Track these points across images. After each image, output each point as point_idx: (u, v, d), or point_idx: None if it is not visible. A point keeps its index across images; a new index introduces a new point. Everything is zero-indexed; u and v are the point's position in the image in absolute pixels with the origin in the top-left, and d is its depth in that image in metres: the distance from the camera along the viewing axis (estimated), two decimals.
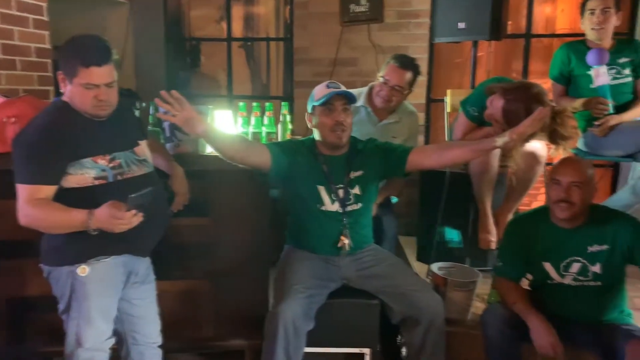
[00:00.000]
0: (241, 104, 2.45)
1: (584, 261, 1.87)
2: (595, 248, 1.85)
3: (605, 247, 1.84)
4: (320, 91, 2.01)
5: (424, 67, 3.49)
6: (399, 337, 2.12)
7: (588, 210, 1.88)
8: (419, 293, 1.96)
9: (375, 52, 3.46)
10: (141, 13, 3.68)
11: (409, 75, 2.46)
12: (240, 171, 1.99)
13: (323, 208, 2.06)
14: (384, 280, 2.02)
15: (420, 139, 3.57)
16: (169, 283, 2.16)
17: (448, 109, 2.89)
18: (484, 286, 2.46)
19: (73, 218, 1.63)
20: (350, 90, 2.04)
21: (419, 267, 2.93)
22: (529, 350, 1.88)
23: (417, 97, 3.54)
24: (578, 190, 1.82)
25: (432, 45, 3.47)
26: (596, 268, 1.86)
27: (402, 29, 3.47)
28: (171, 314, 2.12)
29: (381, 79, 2.49)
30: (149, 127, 2.41)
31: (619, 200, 2.55)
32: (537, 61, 3.53)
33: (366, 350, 2.06)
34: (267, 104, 2.45)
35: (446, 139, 2.88)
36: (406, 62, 2.46)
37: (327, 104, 1.98)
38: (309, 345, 1.96)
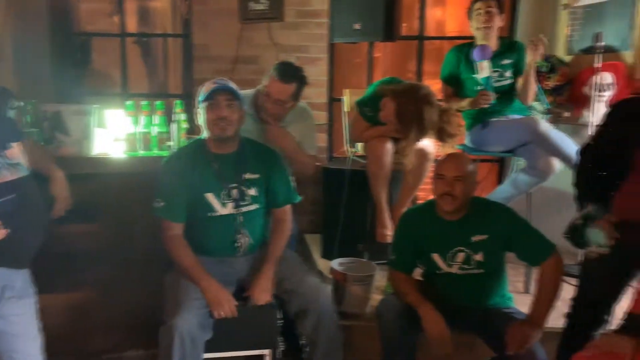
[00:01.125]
0: (129, 103, 2.34)
1: (468, 250, 1.98)
2: (477, 238, 1.97)
3: (485, 236, 1.97)
4: (206, 87, 2.00)
5: (324, 66, 3.56)
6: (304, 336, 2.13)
7: (470, 202, 2.00)
8: (307, 287, 1.97)
9: (277, 51, 3.45)
10: (20, 4, 3.38)
11: (291, 88, 2.32)
12: (128, 174, 1.90)
13: (214, 214, 2.02)
14: (277, 277, 2.02)
15: (323, 137, 3.63)
16: (54, 295, 2.01)
17: (346, 108, 2.95)
18: (383, 279, 2.54)
19: None
20: (240, 91, 2.02)
21: (323, 264, 2.97)
22: (422, 339, 1.96)
23: (319, 96, 3.59)
24: (461, 183, 1.93)
25: (332, 45, 3.53)
26: (479, 256, 1.98)
27: (302, 28, 3.49)
28: (57, 328, 1.97)
29: (265, 90, 2.35)
30: (27, 128, 2.22)
31: (501, 192, 2.75)
32: (430, 62, 3.71)
33: (266, 352, 2.05)
34: (157, 102, 2.35)
35: (345, 137, 2.94)
36: (288, 75, 2.32)
37: (211, 99, 1.96)
38: (207, 351, 1.90)
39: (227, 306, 1.90)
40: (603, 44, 2.77)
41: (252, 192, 2.06)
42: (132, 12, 3.74)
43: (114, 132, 2.36)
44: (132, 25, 3.74)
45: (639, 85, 2.96)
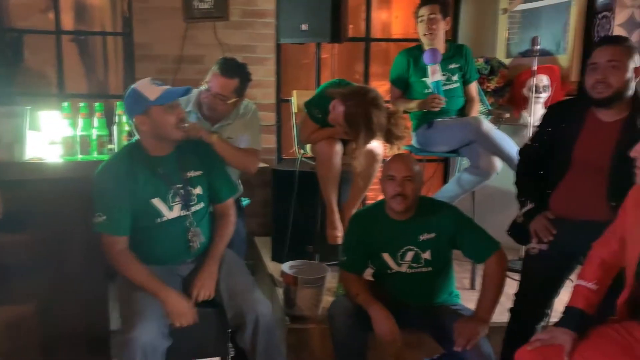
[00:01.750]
0: (65, 104, 2.21)
1: (416, 249, 2.01)
2: (425, 236, 2.01)
3: (433, 235, 2.01)
4: (151, 89, 1.88)
5: (271, 67, 3.53)
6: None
7: (417, 202, 2.03)
8: (243, 295, 1.93)
9: (222, 50, 3.39)
10: None
11: (233, 83, 2.25)
12: (65, 179, 1.81)
13: (163, 220, 1.95)
14: (220, 283, 1.98)
15: (271, 138, 3.60)
16: None
17: (294, 109, 2.93)
18: (334, 280, 2.54)
19: None
20: None
21: (274, 267, 2.94)
22: (373, 338, 1.98)
23: (267, 97, 3.57)
24: (410, 183, 1.96)
25: (279, 46, 3.50)
26: (426, 255, 2.02)
27: (248, 27, 3.45)
28: None
29: (205, 86, 2.30)
30: None
31: (446, 191, 2.81)
32: (377, 64, 3.76)
33: (216, 359, 2.00)
34: (96, 104, 2.24)
35: (294, 138, 2.92)
36: (230, 70, 2.26)
37: (170, 101, 1.89)
38: None
39: (189, 315, 1.85)
40: (539, 47, 2.89)
41: (198, 190, 2.00)
42: (67, 8, 3.55)
43: (49, 135, 2.23)
44: (68, 22, 3.56)
45: (572, 87, 3.12)
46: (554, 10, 3.24)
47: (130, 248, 1.93)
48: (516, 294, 2.11)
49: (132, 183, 1.90)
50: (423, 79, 2.81)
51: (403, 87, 2.92)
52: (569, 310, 1.63)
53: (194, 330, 1.89)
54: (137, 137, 1.98)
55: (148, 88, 1.89)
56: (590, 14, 3.05)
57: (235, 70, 2.26)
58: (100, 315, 2.07)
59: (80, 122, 2.21)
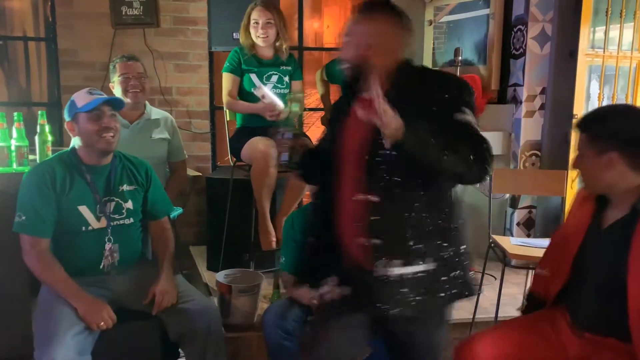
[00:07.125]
0: None
1: None
2: None
3: None
4: (83, 98, 1.90)
5: (204, 74, 3.50)
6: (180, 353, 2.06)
7: None
8: (191, 303, 1.92)
9: (153, 58, 3.33)
10: None
11: (137, 64, 2.59)
12: None
13: (88, 229, 1.90)
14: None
15: (206, 145, 3.57)
16: None
17: (227, 117, 2.93)
18: (270, 287, 2.55)
19: None
20: None
21: (209, 276, 2.91)
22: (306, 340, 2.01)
23: (201, 104, 3.54)
24: None
25: (211, 53, 3.49)
26: None
27: (180, 35, 3.41)
28: None
29: (121, 78, 2.50)
30: None
31: None
32: (310, 72, 3.81)
33: None
34: (15, 113, 2.15)
35: (228, 146, 2.91)
36: (130, 56, 2.61)
37: (95, 110, 1.87)
38: None
39: (106, 314, 1.79)
40: (462, 58, 3.05)
41: (129, 205, 1.98)
42: None
43: None
44: None
45: (493, 96, 3.32)
46: (474, 23, 3.44)
47: (54, 254, 1.87)
48: None
49: (59, 187, 1.86)
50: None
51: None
52: (530, 296, 1.73)
53: (126, 348, 1.85)
54: (73, 144, 1.96)
55: (81, 96, 1.91)
56: (508, 27, 3.25)
57: (134, 56, 2.58)
58: (24, 334, 1.97)
59: None
